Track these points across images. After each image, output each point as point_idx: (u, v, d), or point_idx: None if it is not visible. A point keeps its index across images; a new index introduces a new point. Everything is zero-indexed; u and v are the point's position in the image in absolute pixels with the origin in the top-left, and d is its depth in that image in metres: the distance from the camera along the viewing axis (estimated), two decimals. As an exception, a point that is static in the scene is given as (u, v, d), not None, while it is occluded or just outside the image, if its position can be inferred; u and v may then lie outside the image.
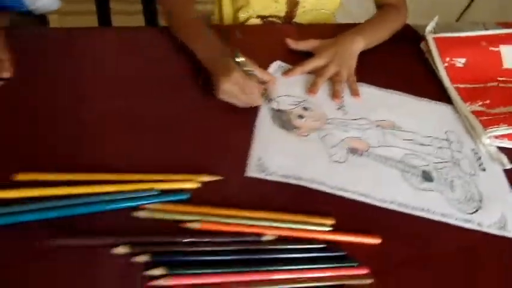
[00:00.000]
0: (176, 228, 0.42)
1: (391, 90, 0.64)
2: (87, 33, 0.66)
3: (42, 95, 0.54)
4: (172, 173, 0.45)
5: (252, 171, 0.48)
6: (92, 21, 1.04)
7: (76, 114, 0.52)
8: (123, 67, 0.60)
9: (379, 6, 0.77)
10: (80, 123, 0.51)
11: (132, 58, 0.61)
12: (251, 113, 0.56)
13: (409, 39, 0.75)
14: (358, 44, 0.66)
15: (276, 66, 0.64)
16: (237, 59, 0.55)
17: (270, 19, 0.82)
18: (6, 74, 0.55)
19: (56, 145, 0.48)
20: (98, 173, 0.44)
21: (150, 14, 1.01)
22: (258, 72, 0.57)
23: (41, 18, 0.78)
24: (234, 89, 0.53)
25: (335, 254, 0.42)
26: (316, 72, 0.63)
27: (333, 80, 0.63)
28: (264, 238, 0.42)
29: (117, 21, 1.08)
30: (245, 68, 0.55)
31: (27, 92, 0.54)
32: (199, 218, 0.42)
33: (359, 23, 0.72)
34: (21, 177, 0.43)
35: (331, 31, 0.70)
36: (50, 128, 0.50)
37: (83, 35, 0.65)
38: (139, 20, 1.08)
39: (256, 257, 0.41)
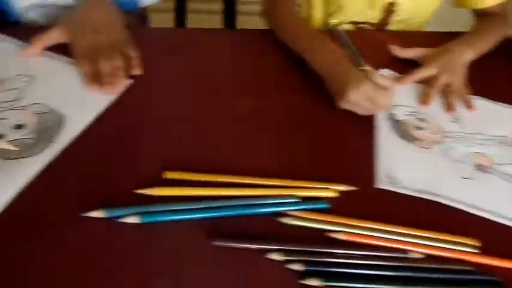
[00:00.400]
0: (320, 237, 0.41)
1: (505, 104, 0.61)
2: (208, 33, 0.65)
3: (167, 95, 0.53)
4: (307, 180, 0.44)
5: (382, 183, 0.47)
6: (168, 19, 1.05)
7: (204, 114, 0.52)
8: (238, 68, 0.59)
9: (481, 15, 0.74)
10: (209, 124, 0.51)
11: (247, 60, 0.61)
12: (365, 117, 0.54)
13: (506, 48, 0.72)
14: (468, 55, 0.64)
15: (385, 74, 0.62)
16: (362, 68, 0.53)
17: (362, 26, 0.80)
18: (137, 71, 0.55)
19: (191, 146, 0.48)
20: (238, 175, 0.44)
21: (229, 14, 1.02)
22: (381, 80, 0.53)
23: (141, 16, 0.79)
24: (361, 100, 0.51)
25: (486, 279, 0.40)
26: (427, 83, 0.61)
27: (445, 91, 0.60)
28: (411, 255, 0.41)
29: (192, 20, 1.08)
30: (371, 77, 0.52)
31: (155, 92, 0.54)
32: (342, 229, 0.41)
33: (456, 32, 0.69)
34: (169, 175, 0.43)
35: (424, 39, 0.69)
36: (183, 129, 0.49)
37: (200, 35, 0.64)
38: (216, 21, 1.08)
39: (404, 274, 0.39)
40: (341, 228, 0.41)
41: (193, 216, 0.40)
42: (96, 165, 0.44)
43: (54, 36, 0.55)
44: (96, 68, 0.52)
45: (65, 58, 0.56)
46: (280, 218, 0.41)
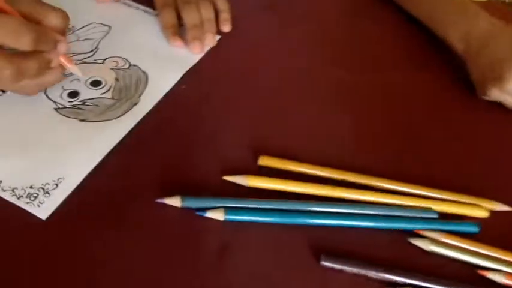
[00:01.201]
0: (466, 273, 0.29)
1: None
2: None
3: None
4: (450, 191, 0.33)
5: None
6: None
7: (300, 87, 0.41)
8: (345, 34, 0.48)
9: None
10: (307, 101, 0.40)
11: (357, 24, 0.48)
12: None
13: None
14: None
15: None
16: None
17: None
18: (226, 28, 0.45)
19: (284, 126, 0.38)
20: (348, 171, 0.33)
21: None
22: None
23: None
24: None
25: None
26: None
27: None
28: None
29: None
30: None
31: (241, 56, 0.44)
32: (502, 268, 0.29)
33: None
34: (264, 161, 0.33)
35: None
36: (276, 104, 0.39)
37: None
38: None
39: None
40: (500, 266, 0.29)
41: (294, 220, 0.31)
42: (177, 139, 0.36)
43: None
44: (183, 20, 0.43)
45: (143, 7, 0.47)
46: (409, 237, 0.30)
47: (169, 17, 0.43)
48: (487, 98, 0.40)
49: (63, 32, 0.35)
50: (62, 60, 0.35)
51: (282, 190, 0.32)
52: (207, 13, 0.43)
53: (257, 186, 0.32)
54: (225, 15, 0.45)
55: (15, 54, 0.31)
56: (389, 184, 0.33)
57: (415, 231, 0.30)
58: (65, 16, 0.34)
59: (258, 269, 0.29)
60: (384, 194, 0.32)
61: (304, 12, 0.51)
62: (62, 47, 0.33)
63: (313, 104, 0.40)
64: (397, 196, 0.32)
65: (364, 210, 0.31)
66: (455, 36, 0.42)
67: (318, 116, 0.39)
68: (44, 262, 0.27)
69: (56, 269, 0.27)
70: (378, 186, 0.33)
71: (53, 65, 0.34)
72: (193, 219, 0.30)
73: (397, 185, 0.33)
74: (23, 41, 0.30)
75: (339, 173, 0.33)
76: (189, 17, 0.42)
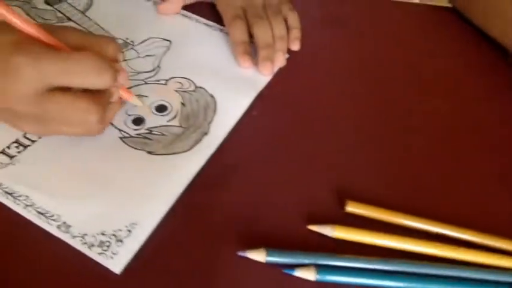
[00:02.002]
0: None
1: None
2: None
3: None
4: None
5: None
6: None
7: (381, 115, 0.36)
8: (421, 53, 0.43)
9: None
10: (394, 132, 0.35)
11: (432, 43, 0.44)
12: None
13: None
14: None
15: None
16: None
17: None
18: (295, 46, 0.40)
19: (373, 165, 0.33)
20: (453, 225, 0.29)
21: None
22: None
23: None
24: None
25: None
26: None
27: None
28: None
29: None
30: None
31: (311, 76, 0.39)
32: None
33: None
34: (352, 206, 0.30)
35: None
36: (355, 136, 0.35)
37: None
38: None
39: None
40: None
41: (399, 285, 0.26)
42: (252, 178, 0.31)
43: None
44: (253, 35, 0.39)
45: (204, 20, 0.43)
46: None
47: (241, 32, 0.39)
48: None
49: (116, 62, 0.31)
50: (122, 92, 0.31)
51: (373, 244, 0.28)
52: (280, 30, 0.39)
53: (345, 239, 0.28)
54: (296, 33, 0.40)
55: (97, 95, 0.28)
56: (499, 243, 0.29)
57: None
58: (118, 46, 0.30)
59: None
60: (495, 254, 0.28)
61: (374, 26, 0.47)
62: (122, 79, 0.30)
63: (400, 140, 0.35)
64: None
65: (477, 274, 0.27)
66: None
67: (405, 154, 0.34)
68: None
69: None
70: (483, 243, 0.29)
71: (114, 99, 0.30)
72: (278, 276, 0.26)
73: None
74: (104, 79, 0.26)
75: (434, 224, 0.29)
76: (262, 34, 0.38)
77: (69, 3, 0.43)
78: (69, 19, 0.41)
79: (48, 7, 0.42)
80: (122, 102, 0.32)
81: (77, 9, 0.42)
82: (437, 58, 0.44)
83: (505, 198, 0.33)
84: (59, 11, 0.42)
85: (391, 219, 0.30)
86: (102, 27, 0.41)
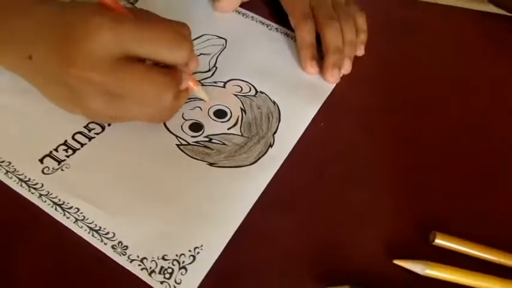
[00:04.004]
0: None
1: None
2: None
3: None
4: None
5: None
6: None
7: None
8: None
9: None
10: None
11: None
12: None
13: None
14: None
15: None
16: None
17: None
18: (360, 51, 0.36)
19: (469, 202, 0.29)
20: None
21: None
22: None
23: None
24: None
25: None
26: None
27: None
28: None
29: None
30: None
31: (378, 86, 0.35)
32: None
33: None
34: (441, 239, 0.25)
35: None
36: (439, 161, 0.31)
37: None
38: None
39: None
40: None
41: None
42: (324, 200, 0.27)
43: None
44: (322, 38, 0.35)
45: (260, 18, 0.39)
46: None
47: (310, 34, 0.35)
48: None
49: None
50: (190, 82, 0.28)
51: (465, 284, 0.24)
52: (350, 34, 0.35)
53: (436, 277, 0.24)
54: (363, 37, 0.37)
55: (172, 71, 0.25)
56: None
57: None
58: (190, 31, 0.26)
59: None
60: None
61: (442, 33, 0.42)
62: (193, 65, 0.27)
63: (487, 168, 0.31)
64: None
65: None
66: None
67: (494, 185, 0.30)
68: None
69: None
70: None
71: (183, 86, 0.27)
72: None
73: None
74: (182, 52, 0.24)
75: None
76: (334, 38, 0.34)
77: (117, -6, 0.40)
78: (118, 11, 0.39)
79: (96, -3, 0.40)
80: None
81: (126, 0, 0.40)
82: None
83: None
84: (107, 2, 0.39)
85: (481, 255, 0.26)
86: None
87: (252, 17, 0.40)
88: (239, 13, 0.40)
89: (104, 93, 0.24)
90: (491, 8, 0.49)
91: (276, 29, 0.39)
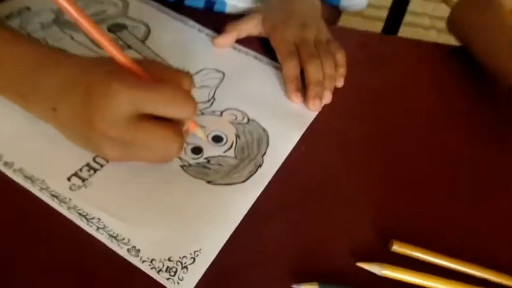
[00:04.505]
0: None
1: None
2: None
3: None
4: None
5: None
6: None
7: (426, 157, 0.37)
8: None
9: None
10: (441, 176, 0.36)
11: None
12: None
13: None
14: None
15: None
16: None
17: None
18: (340, 83, 0.42)
19: (424, 210, 0.34)
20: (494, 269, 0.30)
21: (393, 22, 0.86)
22: None
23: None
24: None
25: None
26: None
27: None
28: None
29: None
30: None
31: (356, 113, 0.41)
32: None
33: None
34: (398, 246, 0.30)
35: None
36: (405, 178, 0.36)
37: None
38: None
39: None
40: None
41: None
42: (302, 211, 0.32)
43: (250, 27, 0.45)
44: (305, 73, 0.40)
45: (253, 52, 0.45)
46: None
47: (294, 69, 0.40)
48: None
49: None
50: (190, 123, 0.32)
51: (418, 284, 0.29)
52: (330, 70, 0.40)
53: (392, 277, 0.29)
54: (342, 71, 0.42)
55: (177, 124, 0.29)
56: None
57: None
58: (192, 80, 0.31)
59: None
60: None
61: (412, 66, 0.48)
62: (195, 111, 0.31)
63: (444, 185, 0.36)
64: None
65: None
66: None
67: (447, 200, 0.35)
68: None
69: None
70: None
71: (184, 128, 0.31)
72: None
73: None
74: (188, 110, 0.28)
75: (481, 271, 0.30)
76: (314, 72, 0.39)
77: (129, 32, 0.45)
78: (130, 47, 0.43)
79: (112, 34, 0.44)
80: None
81: (136, 37, 0.44)
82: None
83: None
84: (121, 39, 0.44)
85: (434, 261, 0.30)
86: (159, 56, 0.43)
87: (246, 52, 0.46)
88: (235, 48, 0.46)
89: (120, 144, 0.28)
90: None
91: (267, 62, 0.45)
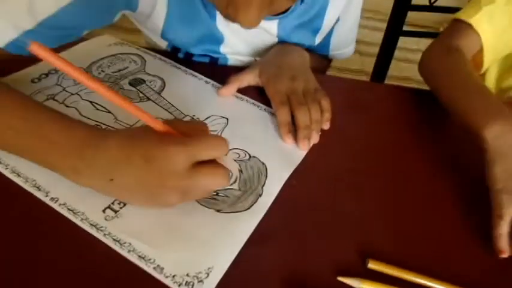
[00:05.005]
0: None
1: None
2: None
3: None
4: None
5: None
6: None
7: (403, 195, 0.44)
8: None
9: None
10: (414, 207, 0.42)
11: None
12: None
13: None
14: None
15: None
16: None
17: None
18: (326, 126, 0.49)
19: (397, 228, 0.40)
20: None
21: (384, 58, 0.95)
22: None
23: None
24: None
25: None
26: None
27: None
28: None
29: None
30: None
31: (340, 154, 0.47)
32: None
33: None
34: (373, 265, 0.36)
35: None
36: (383, 208, 0.42)
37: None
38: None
39: None
40: None
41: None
42: (292, 234, 0.39)
43: (249, 79, 0.53)
44: (295, 118, 0.48)
45: (252, 100, 0.53)
46: None
47: (286, 115, 0.48)
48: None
49: None
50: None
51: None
52: (316, 115, 0.48)
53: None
54: (327, 115, 0.50)
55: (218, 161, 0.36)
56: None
57: None
58: (207, 126, 0.38)
59: None
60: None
61: (391, 111, 0.56)
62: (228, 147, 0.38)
63: (414, 208, 0.43)
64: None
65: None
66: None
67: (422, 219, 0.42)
68: None
69: None
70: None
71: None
72: None
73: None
74: (225, 148, 0.35)
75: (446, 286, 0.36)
76: (303, 118, 0.47)
77: (147, 85, 0.53)
78: (149, 99, 0.51)
79: (133, 88, 0.52)
80: None
81: (153, 90, 0.52)
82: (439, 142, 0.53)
83: None
84: (141, 92, 0.52)
85: (405, 277, 0.36)
86: (174, 106, 0.50)
87: (246, 99, 0.54)
88: (237, 97, 0.54)
89: (183, 192, 0.35)
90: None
91: (264, 109, 0.52)
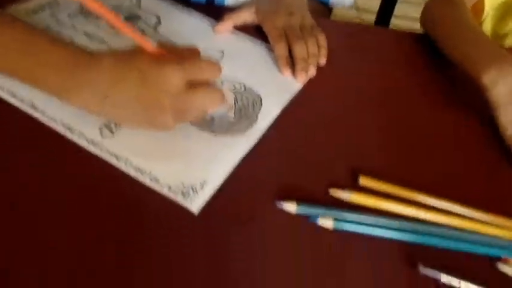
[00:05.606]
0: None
1: None
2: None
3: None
4: None
5: None
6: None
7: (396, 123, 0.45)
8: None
9: None
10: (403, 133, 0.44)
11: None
12: None
13: None
14: None
15: None
16: None
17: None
18: (322, 61, 0.50)
19: (385, 151, 0.42)
20: (442, 198, 0.37)
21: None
22: None
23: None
24: None
25: None
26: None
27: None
28: None
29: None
30: None
31: (332, 90, 0.48)
32: None
33: None
34: (364, 181, 0.38)
35: None
36: (373, 134, 0.43)
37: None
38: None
39: None
40: None
41: (393, 235, 0.34)
42: (288, 155, 0.40)
43: (245, 16, 0.53)
44: (292, 52, 0.48)
45: (249, 36, 0.53)
46: (498, 262, 0.34)
47: (284, 49, 0.48)
48: None
49: None
50: None
51: (378, 208, 0.36)
52: (313, 49, 0.48)
53: (358, 203, 0.36)
54: (324, 51, 0.50)
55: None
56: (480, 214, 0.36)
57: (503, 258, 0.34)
58: (199, 51, 0.38)
59: (362, 276, 0.33)
60: (475, 223, 0.36)
61: (392, 57, 0.56)
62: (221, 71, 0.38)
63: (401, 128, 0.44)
64: (486, 226, 0.36)
65: (453, 233, 0.35)
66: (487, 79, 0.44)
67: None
68: (192, 250, 0.31)
69: (197, 258, 0.31)
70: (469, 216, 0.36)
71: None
72: (305, 224, 0.34)
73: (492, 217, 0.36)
74: (218, 71, 0.36)
75: (427, 197, 0.37)
76: (299, 51, 0.47)
77: (143, 21, 0.52)
78: (144, 34, 0.50)
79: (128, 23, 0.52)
80: None
81: (149, 26, 0.52)
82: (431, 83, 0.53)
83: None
84: (137, 27, 0.51)
85: (397, 192, 0.37)
86: (170, 41, 0.50)
87: (242, 35, 0.53)
88: (233, 33, 0.53)
89: (180, 112, 0.34)
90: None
91: (260, 43, 0.52)
